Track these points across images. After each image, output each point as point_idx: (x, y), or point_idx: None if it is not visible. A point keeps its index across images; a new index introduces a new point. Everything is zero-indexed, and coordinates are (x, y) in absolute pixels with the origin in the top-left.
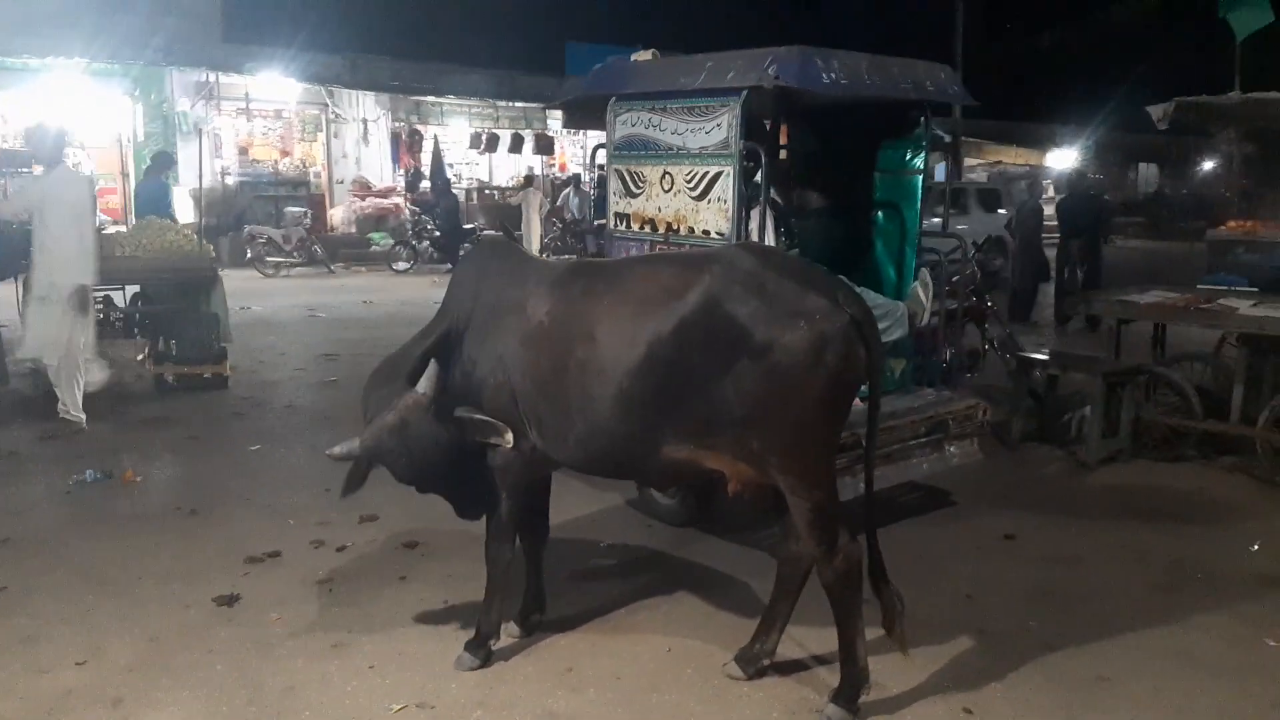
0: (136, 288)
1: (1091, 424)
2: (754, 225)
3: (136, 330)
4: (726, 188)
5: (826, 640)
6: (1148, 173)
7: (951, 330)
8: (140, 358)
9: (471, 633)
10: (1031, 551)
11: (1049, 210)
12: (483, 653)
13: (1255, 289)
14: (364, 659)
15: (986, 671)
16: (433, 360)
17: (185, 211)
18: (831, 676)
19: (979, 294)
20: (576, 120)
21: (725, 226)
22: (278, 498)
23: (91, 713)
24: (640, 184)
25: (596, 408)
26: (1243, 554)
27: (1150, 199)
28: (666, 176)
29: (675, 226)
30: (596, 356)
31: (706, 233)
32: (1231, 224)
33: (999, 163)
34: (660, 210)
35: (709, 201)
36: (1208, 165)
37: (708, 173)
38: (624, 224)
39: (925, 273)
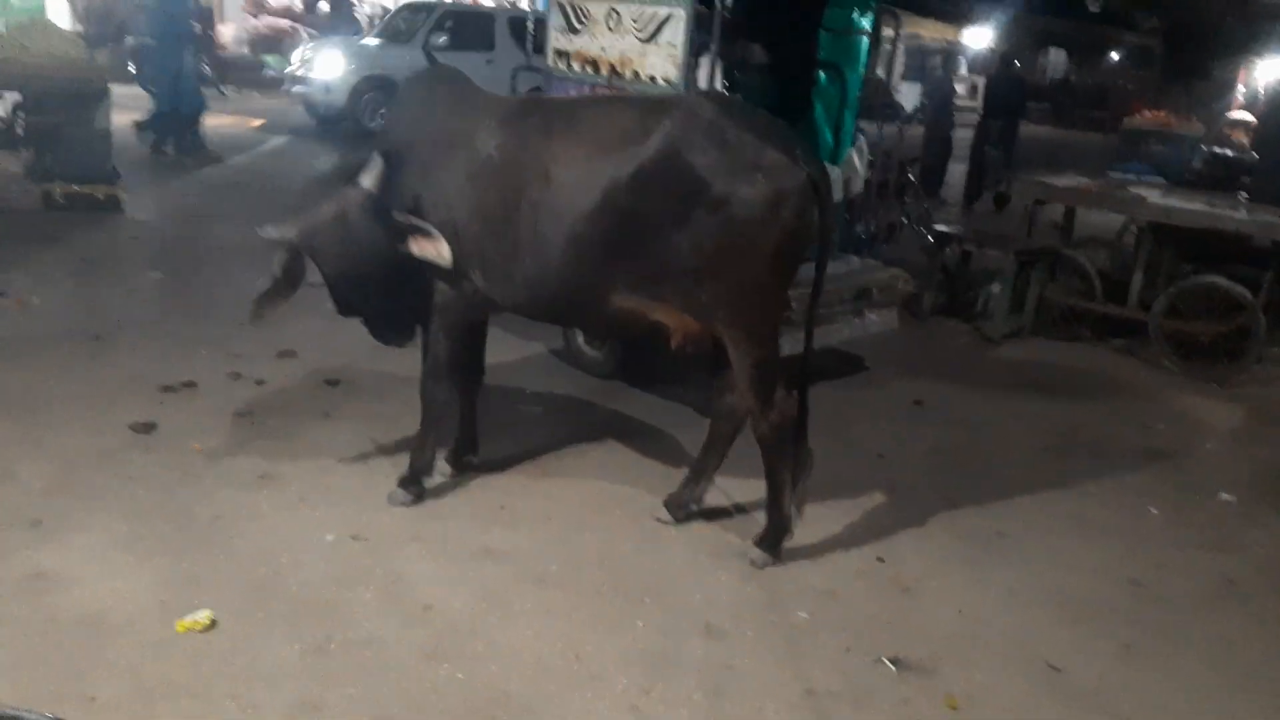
0: (16, 96)
1: (999, 300)
2: (702, 74)
3: (19, 142)
4: (677, 32)
5: (749, 491)
6: (1057, 58)
7: (877, 201)
8: (24, 171)
9: (403, 471)
10: (938, 416)
11: (960, 90)
12: (415, 489)
13: (1162, 179)
14: (293, 492)
15: (896, 524)
16: (378, 155)
17: (61, 17)
18: (754, 526)
19: (901, 166)
20: None
21: (673, 73)
22: (187, 328)
23: (10, 535)
24: (583, 20)
25: (547, 251)
26: (1130, 428)
27: (1058, 86)
28: (613, 14)
29: (619, 70)
30: (550, 197)
31: (653, 78)
32: (1146, 114)
33: (916, 35)
34: (604, 50)
35: (658, 45)
36: (1115, 56)
37: (657, 14)
38: (564, 63)
39: (862, 139)
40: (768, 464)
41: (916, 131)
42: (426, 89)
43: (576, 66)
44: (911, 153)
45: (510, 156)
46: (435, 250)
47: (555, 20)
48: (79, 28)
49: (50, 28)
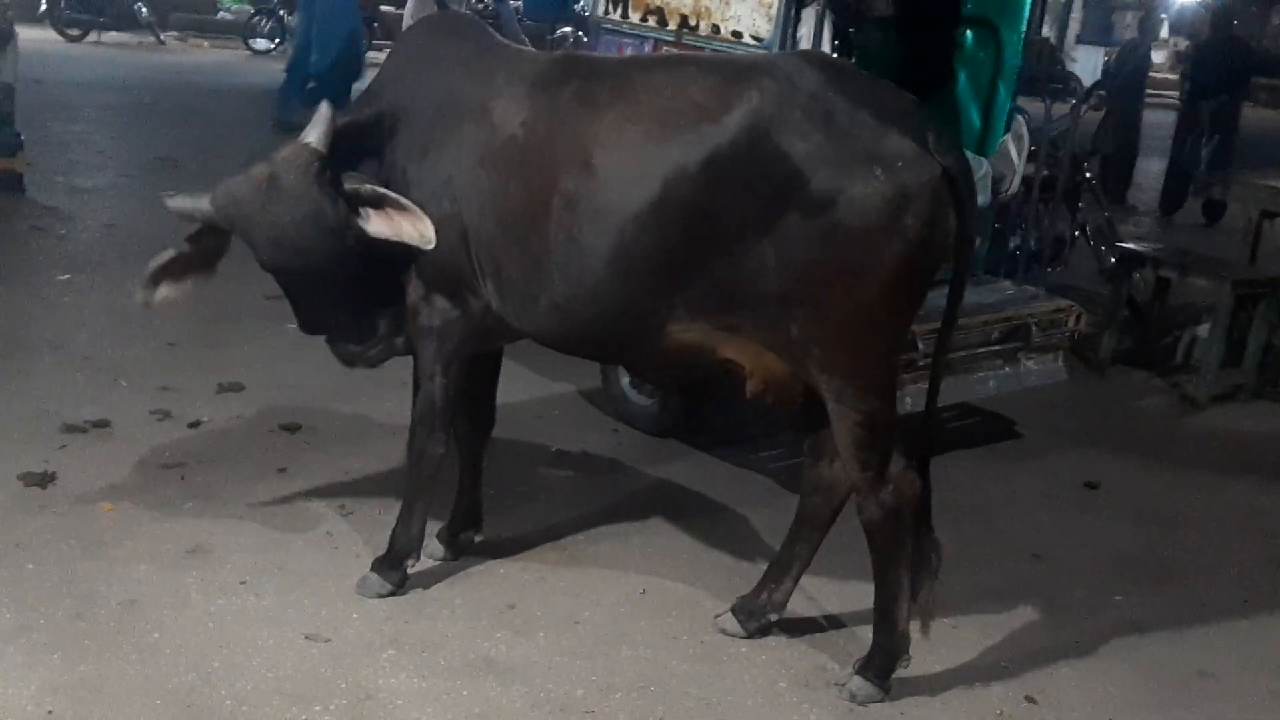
0: None
1: (1208, 348)
2: (805, 31)
3: None
4: None
5: (851, 597)
6: None
7: (1040, 206)
8: None
9: (380, 550)
10: (1119, 506)
11: (1158, 58)
12: (397, 575)
13: None
14: (232, 571)
15: (1056, 652)
16: (326, 105)
17: None
18: (855, 646)
19: (1075, 161)
20: None
21: (766, 29)
22: (102, 348)
23: None
24: None
25: (586, 263)
26: None
27: None
28: None
29: (693, 22)
30: (591, 192)
31: (738, 35)
32: None
33: None
34: None
35: None
36: None
37: None
38: (618, 9)
39: (1021, 122)
40: (877, 560)
41: (1096, 114)
42: (431, 39)
43: (635, 16)
44: (1090, 143)
45: (540, 136)
46: (413, 229)
47: None
48: None
49: None
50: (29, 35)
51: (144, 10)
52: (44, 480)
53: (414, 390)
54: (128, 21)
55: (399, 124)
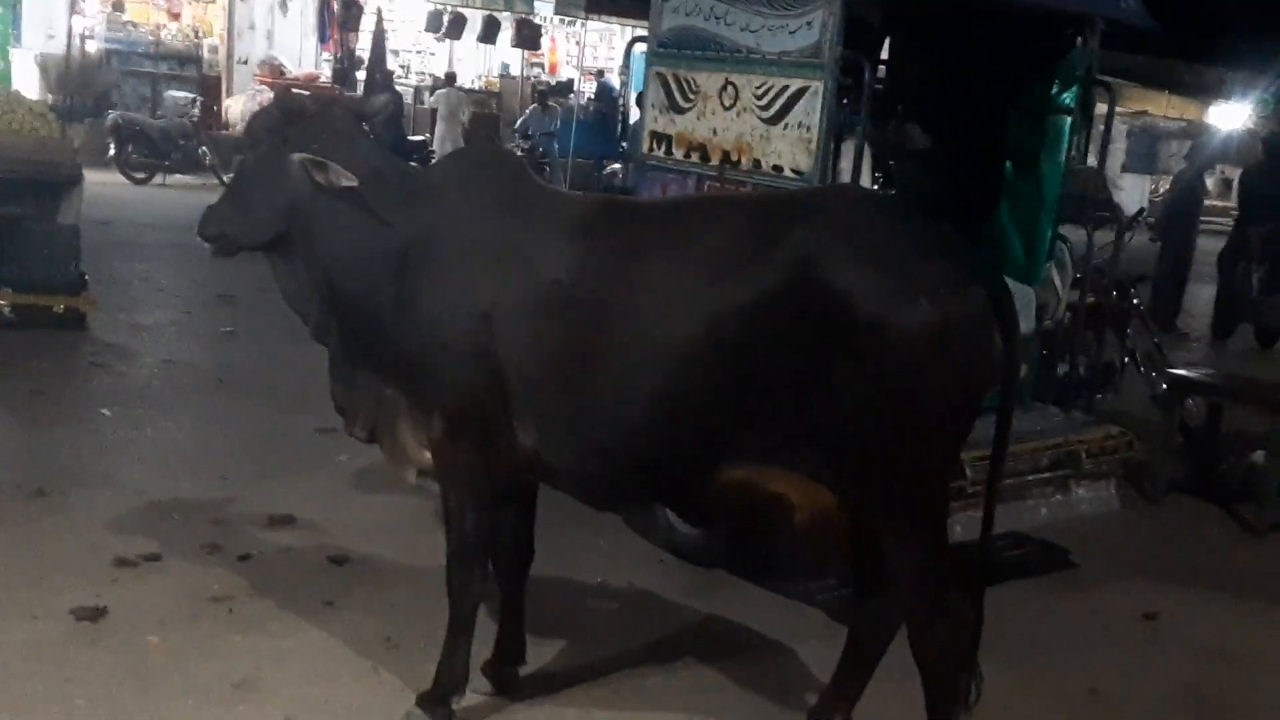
0: None
1: (1266, 475)
2: (845, 164)
3: None
4: (812, 109)
5: None
6: None
7: (1086, 334)
8: None
9: (425, 686)
10: (1178, 639)
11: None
12: (442, 712)
13: None
14: (278, 706)
15: None
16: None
17: (30, 84)
18: None
19: (1122, 287)
20: (603, 2)
21: (806, 163)
22: (155, 482)
23: None
24: (691, 95)
25: (634, 407)
26: None
27: None
28: (729, 88)
29: (735, 157)
30: (638, 336)
31: (778, 169)
32: None
33: (1143, 113)
34: (716, 133)
35: (785, 127)
36: None
37: (788, 87)
38: (662, 147)
39: (1064, 250)
40: (931, 696)
41: (1139, 241)
42: (467, 174)
43: (679, 153)
44: (1137, 268)
45: (585, 281)
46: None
47: (653, 95)
48: (51, 99)
49: (14, 99)
50: (99, 178)
51: (207, 154)
52: (95, 615)
53: (446, 527)
54: (191, 164)
55: (421, 253)
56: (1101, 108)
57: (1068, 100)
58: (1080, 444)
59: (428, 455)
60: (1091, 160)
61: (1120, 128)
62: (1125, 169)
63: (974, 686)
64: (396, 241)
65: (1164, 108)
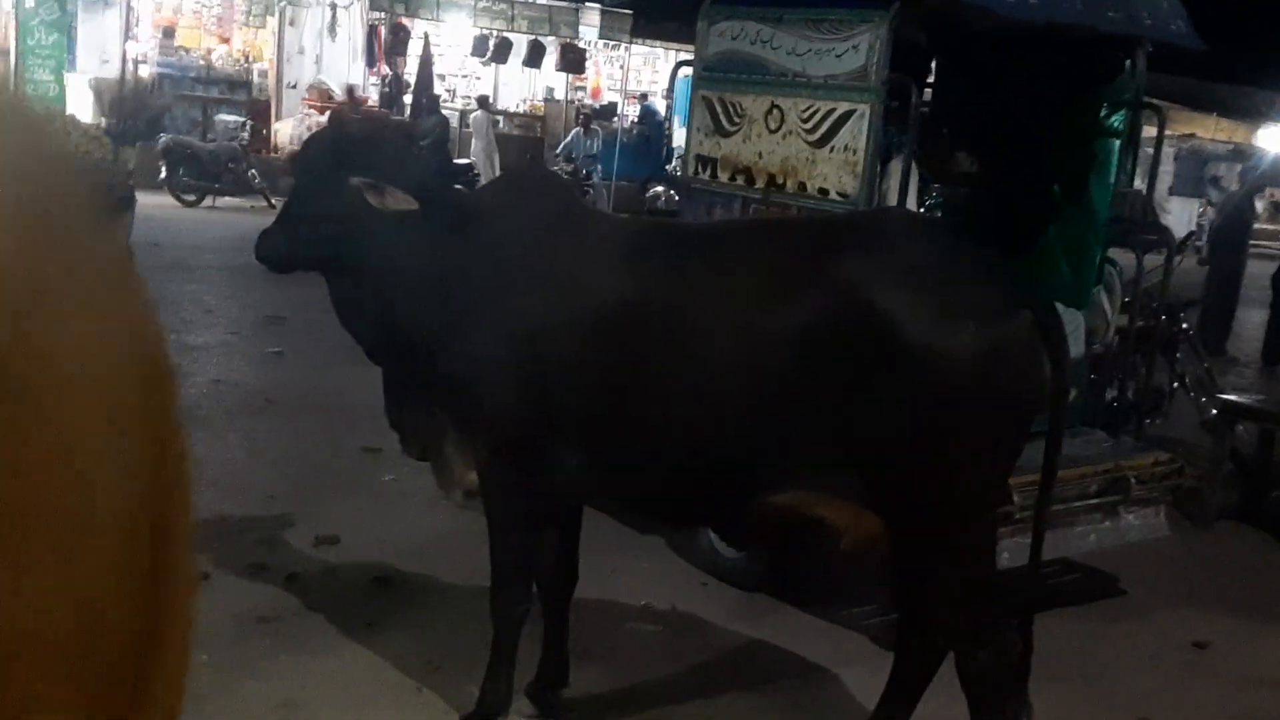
0: None
1: None
2: (890, 185)
3: None
4: (859, 133)
5: None
6: None
7: (1135, 358)
8: None
9: (469, 706)
10: (1230, 668)
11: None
12: None
13: None
14: None
15: None
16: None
17: (85, 108)
18: None
19: (1171, 311)
20: (648, 27)
21: (852, 185)
22: (203, 501)
23: None
24: (737, 119)
25: (680, 431)
26: None
27: None
28: (774, 111)
29: (781, 180)
30: (683, 361)
31: (824, 192)
32: None
33: (1191, 136)
34: (761, 156)
35: (831, 150)
36: None
37: (834, 110)
38: (708, 171)
39: (1113, 274)
40: None
41: (1188, 265)
42: (512, 199)
43: (724, 176)
44: (1186, 292)
45: (632, 305)
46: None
47: (699, 118)
48: (104, 122)
49: (68, 122)
50: (150, 201)
51: (256, 176)
52: None
53: (490, 549)
54: (241, 186)
55: (473, 270)
56: (1150, 130)
57: (1116, 123)
58: (1129, 470)
59: (474, 476)
60: (1139, 184)
61: (1167, 150)
62: (1172, 192)
63: (1023, 717)
64: (444, 264)
65: (1212, 130)
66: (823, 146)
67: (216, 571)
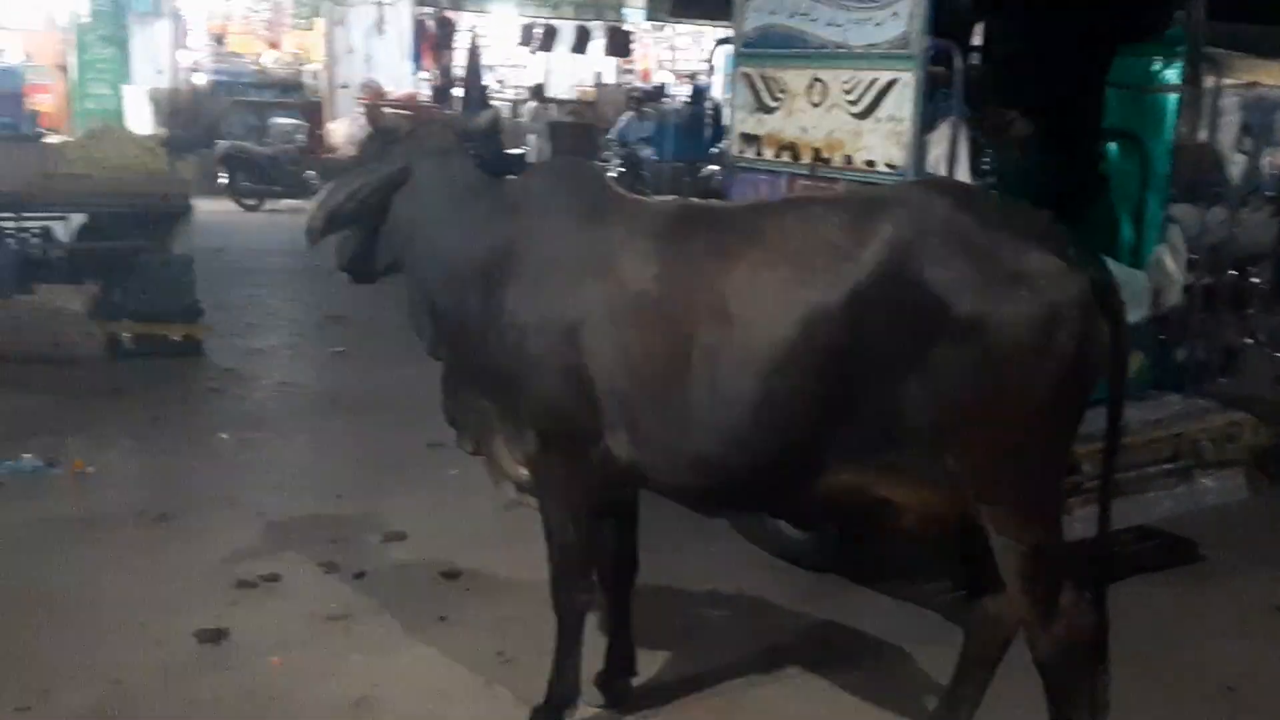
0: (84, 217)
1: None
2: (937, 154)
3: (84, 274)
4: (903, 102)
5: None
6: None
7: (1204, 316)
8: (88, 310)
9: (537, 700)
10: None
11: None
12: None
13: None
14: None
15: None
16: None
17: (143, 119)
18: None
19: (1241, 266)
20: (690, 6)
21: (899, 156)
22: (273, 503)
23: None
24: (779, 95)
25: (732, 415)
26: None
27: None
28: (817, 84)
29: (826, 155)
30: (733, 342)
31: (871, 164)
32: None
33: (1253, 84)
34: (805, 131)
35: (876, 121)
36: None
37: (876, 80)
38: (752, 149)
39: (1176, 231)
40: (1052, 698)
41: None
42: (547, 186)
43: (769, 154)
44: (1257, 247)
45: (673, 289)
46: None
47: (741, 97)
48: (162, 131)
49: (124, 135)
50: (212, 206)
51: (314, 176)
52: (217, 636)
53: (547, 541)
54: (300, 189)
55: (510, 260)
56: (1211, 80)
57: (1171, 76)
58: (1203, 432)
59: (523, 470)
60: (1203, 135)
61: (1231, 100)
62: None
63: (1102, 693)
64: (482, 256)
65: (1275, 77)
66: (867, 117)
67: (287, 572)
